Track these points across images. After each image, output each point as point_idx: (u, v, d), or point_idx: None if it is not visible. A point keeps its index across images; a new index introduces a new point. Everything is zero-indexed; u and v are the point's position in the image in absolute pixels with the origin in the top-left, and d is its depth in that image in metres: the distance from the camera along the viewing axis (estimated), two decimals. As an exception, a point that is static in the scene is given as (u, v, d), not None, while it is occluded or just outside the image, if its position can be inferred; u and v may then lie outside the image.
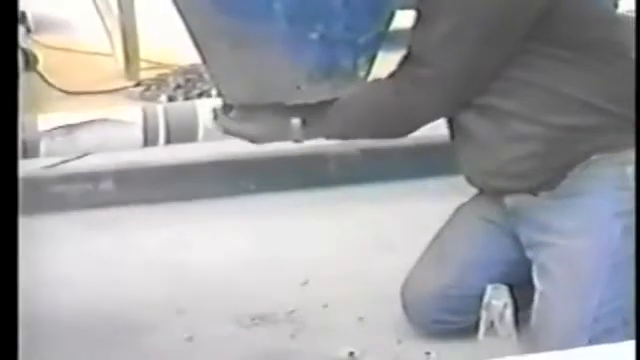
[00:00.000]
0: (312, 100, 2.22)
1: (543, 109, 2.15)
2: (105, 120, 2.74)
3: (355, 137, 2.44)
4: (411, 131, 2.26)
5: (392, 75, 2.20)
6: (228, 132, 2.31)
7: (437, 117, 2.25)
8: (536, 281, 2.21)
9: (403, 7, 2.27)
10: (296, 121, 2.21)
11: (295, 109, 2.21)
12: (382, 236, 2.93)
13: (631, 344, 1.50)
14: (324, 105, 2.20)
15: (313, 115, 2.21)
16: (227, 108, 2.30)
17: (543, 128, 2.16)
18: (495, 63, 2.13)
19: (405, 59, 2.19)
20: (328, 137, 2.33)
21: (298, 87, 2.20)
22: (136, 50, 3.78)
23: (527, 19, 2.10)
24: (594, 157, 2.16)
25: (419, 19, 2.18)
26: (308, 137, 2.26)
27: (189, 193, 3.22)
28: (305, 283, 2.70)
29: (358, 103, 2.22)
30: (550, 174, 2.18)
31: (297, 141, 2.26)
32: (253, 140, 2.32)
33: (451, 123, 2.29)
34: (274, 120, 2.23)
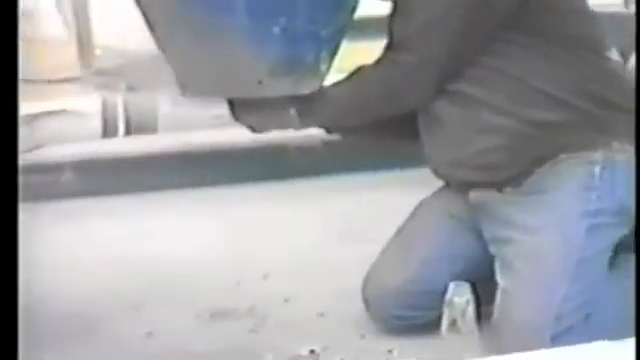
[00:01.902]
0: (273, 94, 2.21)
1: (515, 101, 2.15)
2: (63, 111, 2.71)
3: (342, 124, 2.36)
4: (397, 114, 2.24)
5: (376, 63, 2.20)
6: (238, 121, 2.29)
7: (420, 102, 2.22)
8: (499, 277, 2.20)
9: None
10: (293, 111, 2.21)
11: (288, 99, 2.20)
12: (344, 229, 2.92)
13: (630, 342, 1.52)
14: (315, 95, 2.19)
15: (305, 105, 2.20)
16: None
17: (514, 121, 2.15)
18: (476, 48, 2.13)
19: (386, 49, 2.19)
20: (321, 126, 2.33)
21: (260, 82, 2.17)
22: (89, 37, 3.73)
23: (508, 5, 2.10)
24: (562, 155, 2.15)
25: (397, 7, 2.18)
26: (304, 126, 2.26)
27: (149, 184, 3.19)
28: (266, 277, 2.68)
29: (344, 92, 2.21)
30: (518, 169, 2.17)
31: (296, 130, 2.27)
32: (255, 130, 2.31)
33: (420, 112, 2.27)
34: (272, 110, 2.23)
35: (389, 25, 2.21)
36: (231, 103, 2.27)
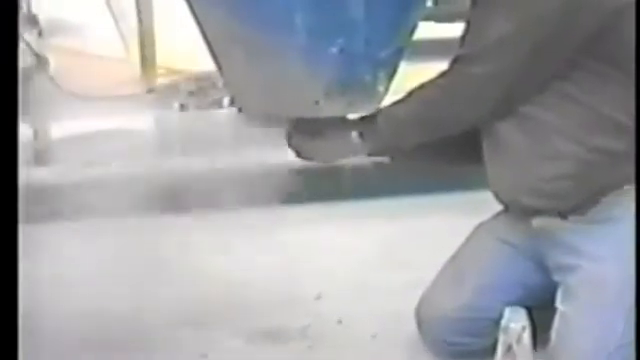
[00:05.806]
0: (330, 114, 2.20)
1: (585, 128, 2.12)
2: (118, 129, 2.72)
3: (406, 142, 2.26)
4: (459, 129, 2.21)
5: (439, 76, 2.18)
6: (300, 155, 2.29)
7: (483, 117, 2.19)
8: (559, 303, 2.17)
9: (427, 19, 2.25)
10: (355, 135, 2.20)
11: (349, 123, 2.20)
12: (397, 252, 2.90)
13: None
14: (377, 115, 2.19)
15: (368, 127, 2.19)
16: (297, 126, 2.27)
17: (583, 148, 2.12)
18: (548, 70, 2.10)
19: (454, 61, 2.17)
20: (383, 150, 2.29)
21: (317, 102, 2.17)
22: (153, 56, 3.75)
23: (586, 30, 2.07)
24: (627, 186, 2.12)
25: (470, 25, 2.17)
26: (366, 151, 2.24)
27: (201, 203, 3.20)
28: (319, 298, 2.66)
29: (407, 108, 2.19)
30: (583, 197, 2.15)
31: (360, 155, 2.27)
32: (322, 160, 2.32)
33: (486, 134, 2.24)
34: (335, 137, 2.22)
35: (460, 42, 2.20)
36: (289, 136, 2.26)
